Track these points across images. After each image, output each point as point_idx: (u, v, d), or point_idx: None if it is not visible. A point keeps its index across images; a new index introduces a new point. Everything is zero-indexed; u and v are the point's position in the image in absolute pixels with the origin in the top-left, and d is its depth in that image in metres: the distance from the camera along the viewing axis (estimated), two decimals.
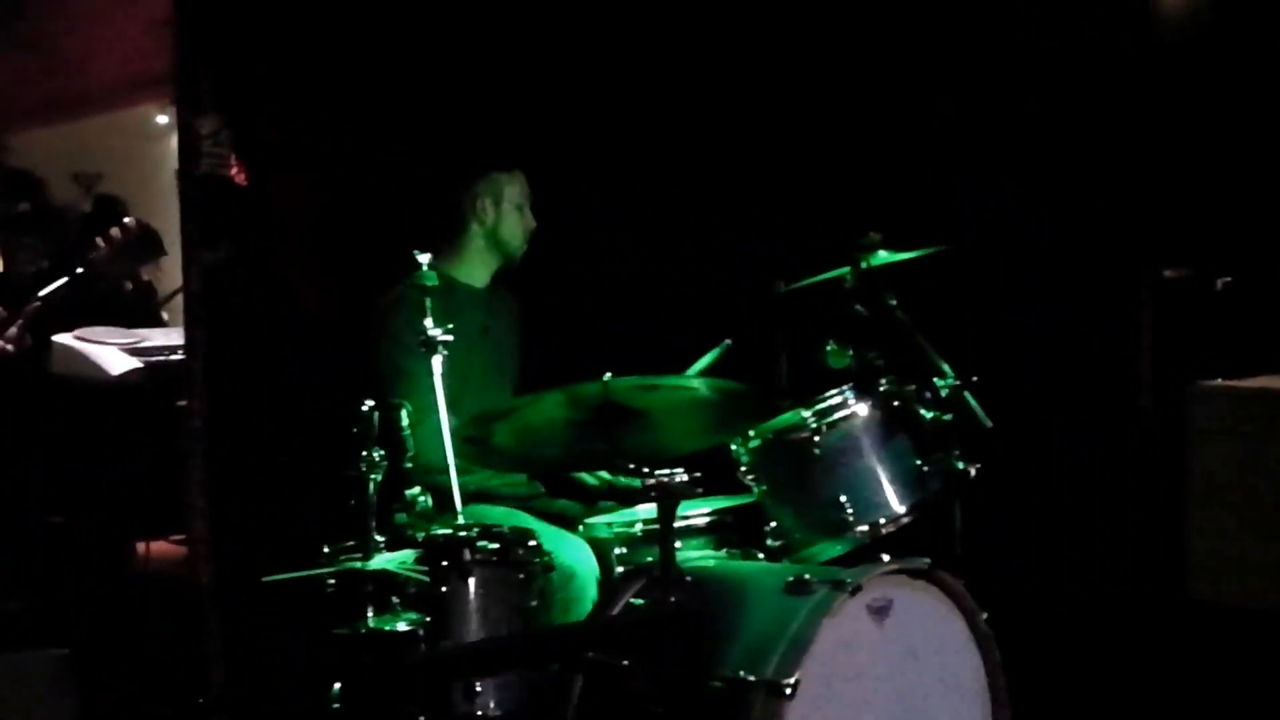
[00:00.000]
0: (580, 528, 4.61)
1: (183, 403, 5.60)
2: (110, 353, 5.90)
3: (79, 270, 4.15)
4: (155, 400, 5.97)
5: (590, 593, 4.45)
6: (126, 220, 4.12)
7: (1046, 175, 4.97)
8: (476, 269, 5.03)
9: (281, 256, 5.42)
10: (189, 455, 4.72)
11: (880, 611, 3.95)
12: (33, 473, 5.90)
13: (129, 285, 4.63)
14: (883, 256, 4.45)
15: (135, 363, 5.92)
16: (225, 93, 5.24)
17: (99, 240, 4.09)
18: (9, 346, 4.12)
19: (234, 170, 5.41)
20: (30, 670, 3.67)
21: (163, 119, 9.21)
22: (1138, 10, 4.94)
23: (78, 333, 5.84)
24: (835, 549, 4.29)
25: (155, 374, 5.92)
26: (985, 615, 4.09)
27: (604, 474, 4.94)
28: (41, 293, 4.16)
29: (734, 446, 4.37)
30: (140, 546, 6.46)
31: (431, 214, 5.01)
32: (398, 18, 5.42)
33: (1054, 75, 4.98)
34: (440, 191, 5.03)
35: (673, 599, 3.78)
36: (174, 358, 6.10)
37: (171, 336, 6.43)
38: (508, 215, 4.99)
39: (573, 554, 4.47)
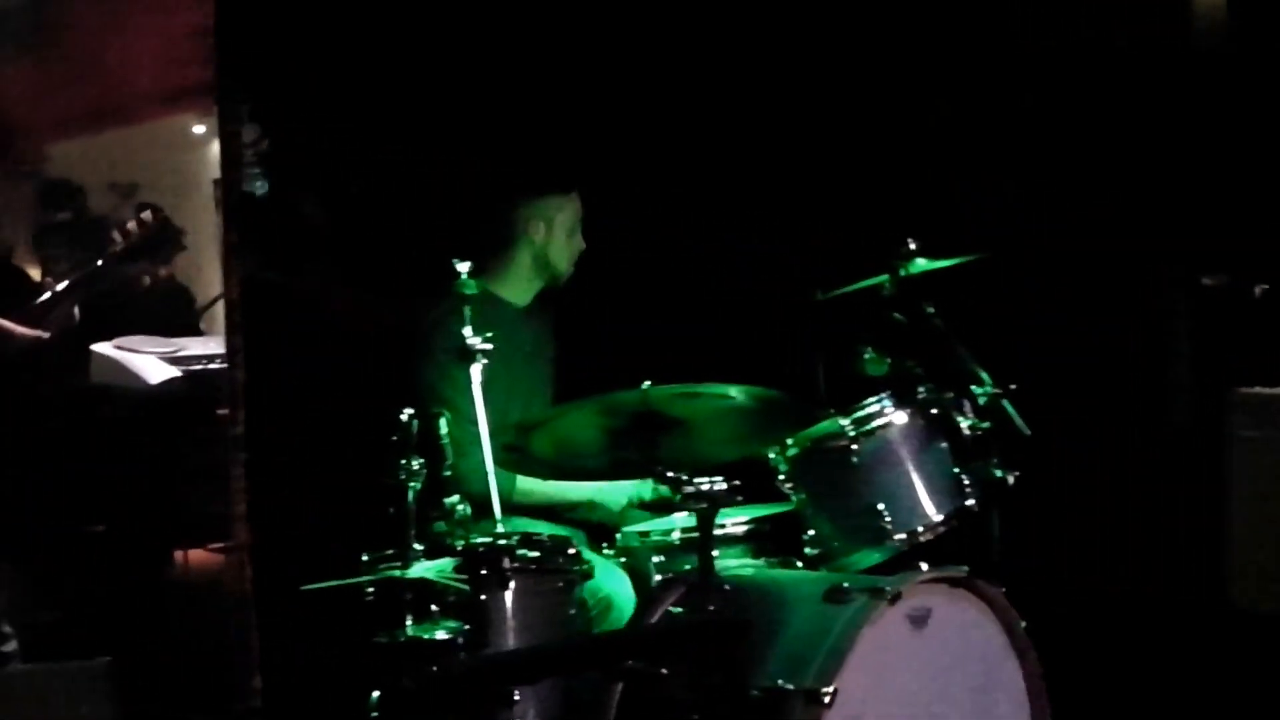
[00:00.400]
0: (618, 536, 4.61)
1: (222, 411, 5.63)
2: (149, 361, 5.93)
3: (99, 263, 4.16)
4: (194, 409, 6.00)
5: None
6: (144, 214, 4.13)
7: (1085, 181, 4.95)
8: (519, 287, 4.99)
9: (321, 266, 5.44)
10: (229, 463, 4.73)
11: (919, 620, 3.94)
12: (73, 481, 5.93)
13: (147, 281, 4.62)
14: (920, 264, 4.45)
15: (174, 371, 5.96)
16: (264, 104, 5.26)
17: (116, 234, 4.11)
18: (32, 332, 4.14)
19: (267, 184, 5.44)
20: (71, 680, 3.69)
21: (200, 129, 9.24)
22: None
23: (117, 342, 5.88)
24: (873, 557, 4.29)
25: (194, 383, 5.95)
26: (1024, 624, 4.08)
27: (640, 493, 4.92)
28: (59, 286, 4.18)
29: (772, 455, 4.36)
30: (179, 555, 6.50)
31: (479, 228, 4.99)
32: (441, 28, 5.44)
33: (1107, 78, 4.96)
34: (490, 206, 5.00)
35: (711, 607, 3.79)
36: (212, 366, 6.14)
37: (209, 345, 6.46)
38: (558, 238, 4.93)
39: (611, 582, 4.47)
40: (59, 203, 7.50)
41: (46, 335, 4.21)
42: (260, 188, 5.41)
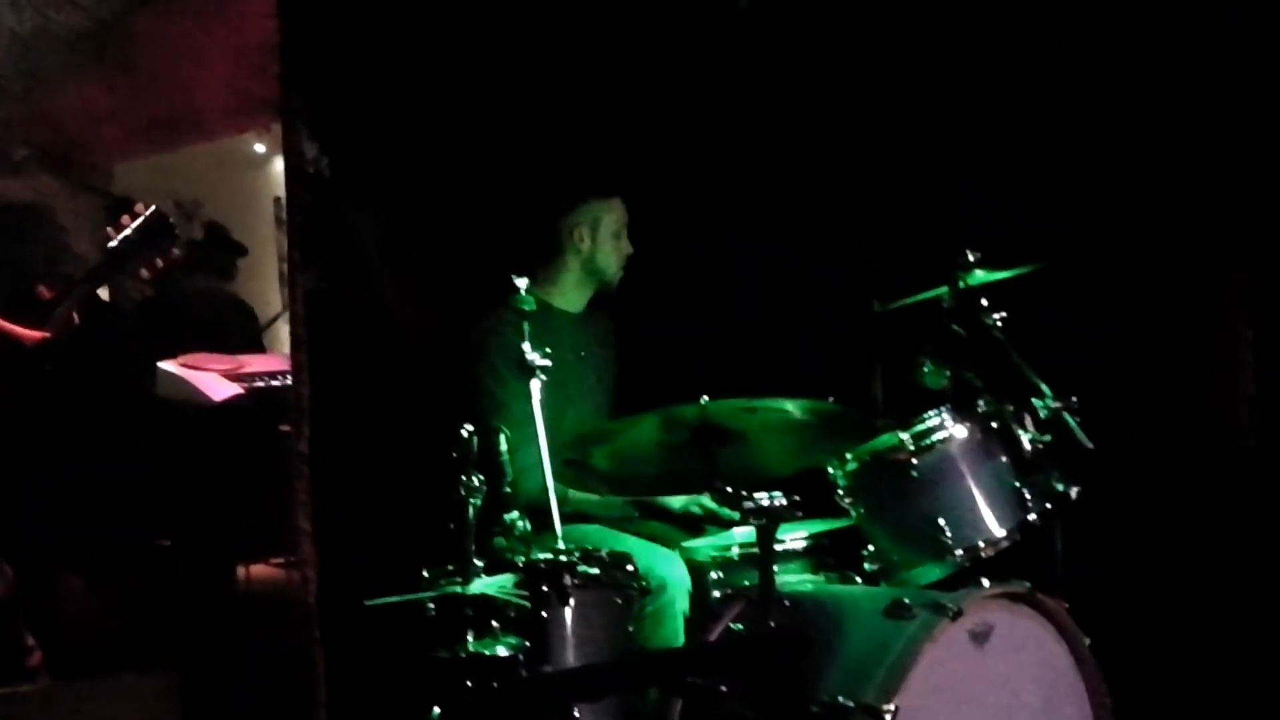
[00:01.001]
0: (677, 551, 4.61)
1: (285, 427, 5.66)
2: (212, 379, 6.00)
3: (110, 245, 4.19)
4: (257, 424, 6.06)
5: (680, 605, 4.45)
6: (138, 205, 4.17)
7: (1148, 187, 4.91)
8: (572, 294, 5.03)
9: (380, 281, 5.47)
10: (294, 479, 4.77)
11: (981, 636, 3.91)
12: (140, 496, 6.00)
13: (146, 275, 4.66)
14: (980, 275, 4.42)
15: (237, 388, 6.02)
16: (322, 120, 5.30)
17: (110, 229, 4.15)
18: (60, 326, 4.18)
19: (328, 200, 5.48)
20: (138, 692, 3.72)
21: (260, 147, 9.34)
22: None
23: (181, 359, 5.95)
24: (934, 572, 4.26)
25: (257, 399, 6.01)
26: (1088, 640, 4.04)
27: (703, 502, 4.92)
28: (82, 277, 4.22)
29: (831, 469, 4.35)
30: (243, 569, 6.56)
31: (528, 239, 5.03)
32: (491, 42, 5.46)
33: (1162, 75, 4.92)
34: (536, 216, 5.04)
35: (771, 623, 3.78)
36: (275, 383, 6.20)
37: (271, 362, 6.52)
38: (604, 243, 4.98)
39: (665, 567, 4.46)
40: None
41: (49, 335, 4.24)
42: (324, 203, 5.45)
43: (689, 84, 5.52)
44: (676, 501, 4.98)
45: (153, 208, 4.22)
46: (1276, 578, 4.68)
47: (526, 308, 4.29)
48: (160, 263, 4.16)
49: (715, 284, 5.52)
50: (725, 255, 5.53)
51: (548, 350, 4.24)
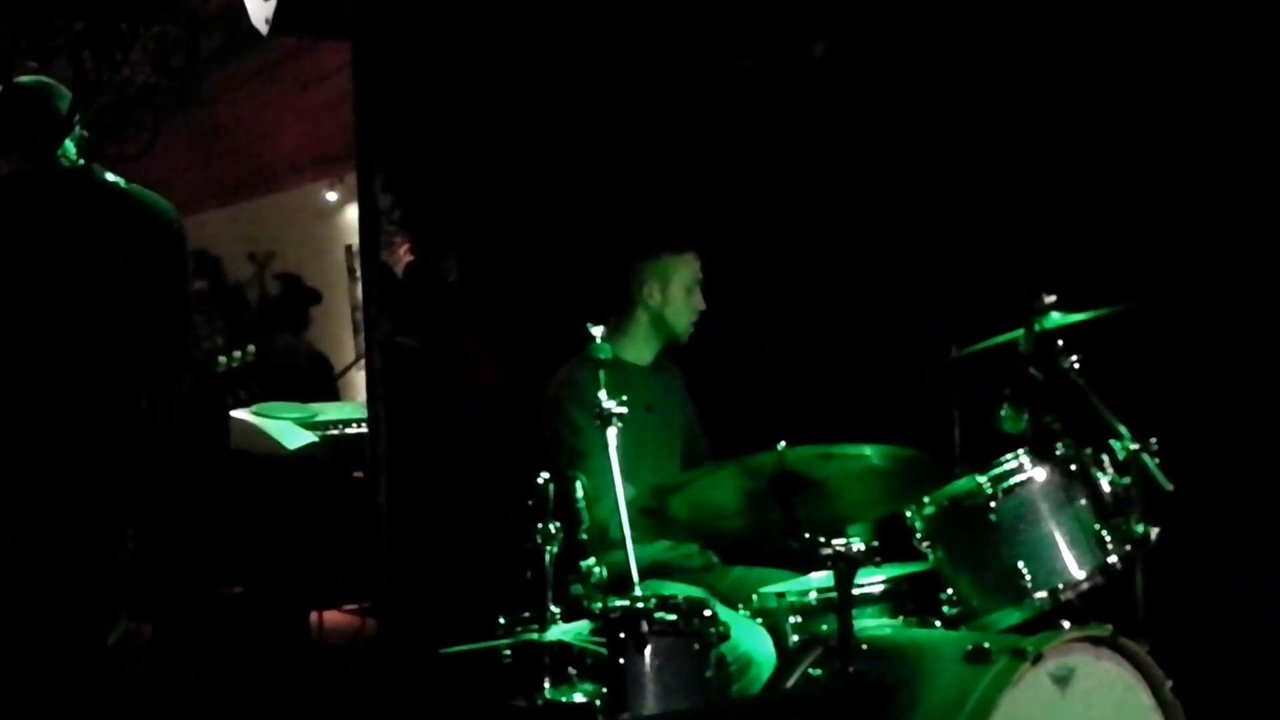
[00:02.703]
0: (754, 597, 4.58)
1: (358, 474, 5.69)
2: (286, 428, 6.03)
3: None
4: (331, 473, 6.09)
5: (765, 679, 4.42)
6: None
7: (1222, 231, 4.87)
8: (641, 347, 5.02)
9: (455, 331, 5.49)
10: (371, 528, 4.79)
11: (1062, 680, 3.88)
12: (214, 544, 6.03)
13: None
14: (1056, 318, 4.40)
15: (311, 437, 6.05)
16: (396, 173, 5.34)
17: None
18: None
19: (402, 250, 5.52)
20: None
21: (332, 196, 9.44)
22: None
23: (255, 408, 5.98)
24: (1014, 616, 4.23)
25: (331, 448, 6.04)
26: (1170, 683, 4.00)
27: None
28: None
29: (909, 514, 4.33)
30: (314, 616, 6.58)
31: (599, 291, 5.02)
32: (567, 93, 5.49)
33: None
34: (608, 269, 5.03)
35: (851, 669, 3.75)
36: (349, 431, 6.22)
37: (345, 410, 6.55)
38: (675, 298, 4.95)
39: (751, 640, 4.44)
40: (199, 272, 7.69)
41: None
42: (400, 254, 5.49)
43: (765, 132, 5.53)
44: None
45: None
46: None
47: (602, 355, 4.29)
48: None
49: (793, 331, 5.51)
50: (802, 302, 5.52)
51: (624, 398, 4.24)
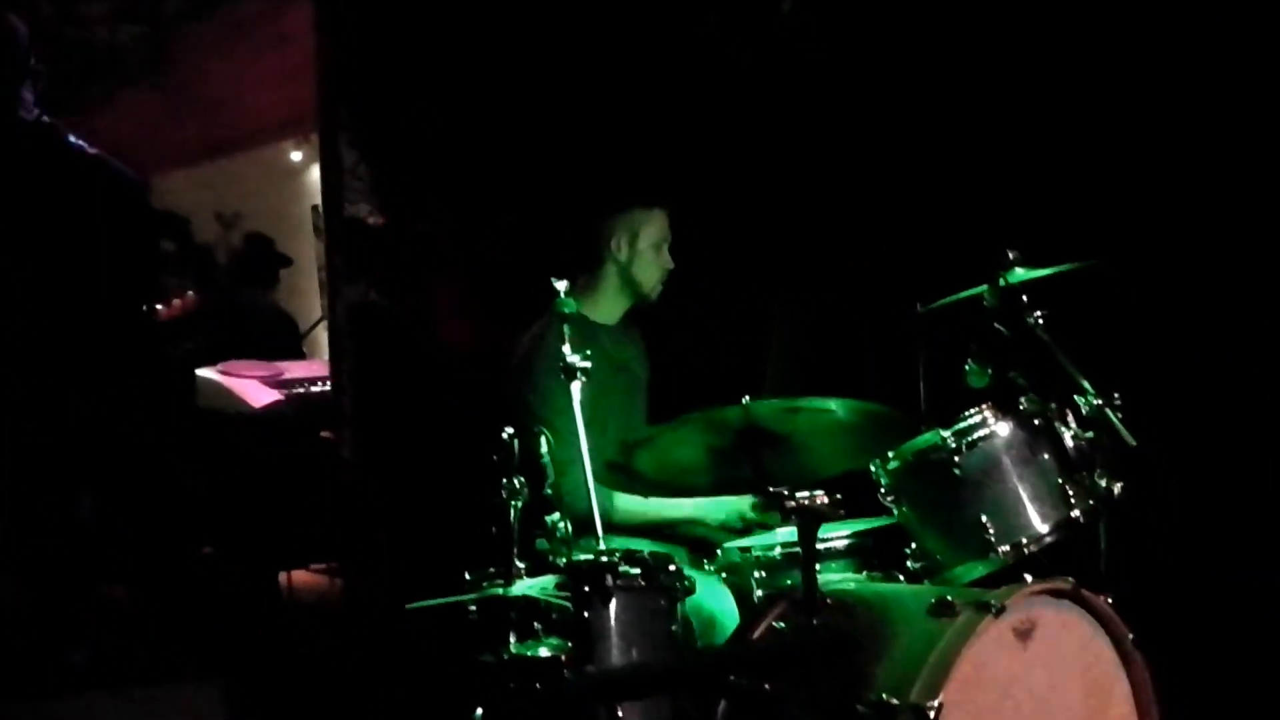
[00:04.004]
0: (719, 552, 4.60)
1: (325, 433, 5.68)
2: (252, 386, 6.02)
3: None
4: (299, 432, 6.07)
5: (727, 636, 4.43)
6: (190, 294, 4.20)
7: (1189, 188, 4.88)
8: (608, 306, 5.01)
9: (422, 289, 5.48)
10: (336, 485, 4.79)
11: (1024, 633, 3.90)
12: (182, 504, 6.02)
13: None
14: (1021, 274, 4.41)
15: (276, 395, 6.04)
16: (363, 132, 5.32)
17: (159, 306, 4.18)
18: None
19: (369, 209, 5.49)
20: (182, 701, 3.74)
21: (297, 155, 9.39)
22: None
23: (220, 367, 5.97)
24: (978, 570, 4.24)
25: (297, 405, 6.03)
26: (1132, 635, 4.02)
27: (745, 514, 4.91)
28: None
29: (873, 468, 4.33)
30: (283, 576, 6.58)
31: (568, 247, 5.01)
32: (533, 51, 5.47)
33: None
34: (577, 225, 5.01)
35: (815, 622, 3.77)
36: (315, 389, 6.21)
37: (312, 369, 6.54)
38: (643, 254, 4.93)
39: (714, 598, 4.45)
40: (166, 233, 7.65)
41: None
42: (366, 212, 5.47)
43: (730, 87, 5.52)
44: (715, 517, 4.96)
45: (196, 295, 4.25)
46: None
47: (567, 310, 4.29)
48: (191, 346, 4.18)
49: (758, 287, 5.51)
50: (768, 258, 5.51)
51: (588, 353, 4.24)
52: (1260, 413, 4.78)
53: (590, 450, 4.15)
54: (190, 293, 4.20)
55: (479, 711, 4.01)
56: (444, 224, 5.53)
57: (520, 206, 5.64)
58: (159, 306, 4.26)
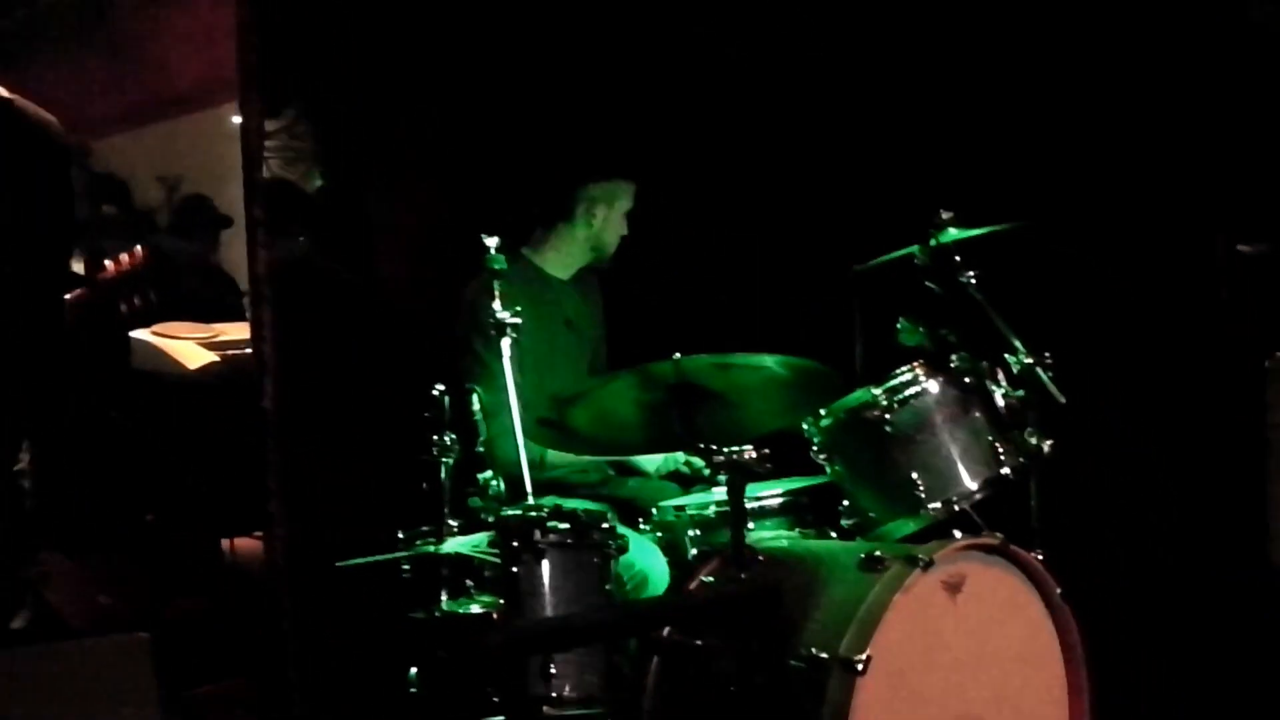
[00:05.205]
0: (654, 511, 4.60)
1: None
2: (187, 347, 5.96)
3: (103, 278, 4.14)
4: (236, 395, 6.03)
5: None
6: (138, 249, 4.11)
7: (1118, 150, 4.91)
8: (565, 262, 5.02)
9: (356, 245, 5.45)
10: (263, 439, 4.76)
11: (953, 587, 3.94)
12: (123, 470, 5.99)
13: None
14: (953, 234, 4.42)
15: (212, 357, 5.98)
16: (312, 92, 5.28)
17: (108, 263, 4.10)
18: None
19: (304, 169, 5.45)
20: (106, 653, 3.72)
21: (238, 119, 9.31)
22: None
23: (155, 328, 5.90)
24: (909, 526, 4.27)
25: (233, 366, 5.98)
26: (1059, 589, 4.05)
27: (689, 461, 4.93)
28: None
29: (806, 426, 4.35)
30: (226, 542, 6.54)
31: (537, 202, 4.99)
32: (489, 9, 5.44)
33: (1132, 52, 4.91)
34: (552, 183, 4.99)
35: (745, 575, 3.78)
36: (250, 350, 6.15)
37: (248, 330, 6.48)
38: (613, 222, 4.96)
39: (646, 556, 4.46)
40: (106, 196, 7.58)
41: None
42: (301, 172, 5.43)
43: (665, 46, 5.50)
44: (652, 463, 4.99)
45: (146, 253, 4.16)
46: (1246, 528, 4.68)
47: (497, 266, 4.28)
48: (139, 303, 4.10)
49: (695, 245, 5.51)
50: (704, 216, 5.51)
51: (518, 310, 4.23)
52: (1178, 371, 4.82)
53: (531, 404, 4.15)
54: (139, 248, 4.13)
55: (413, 669, 4.01)
56: (381, 184, 5.50)
57: (462, 163, 5.61)
58: (107, 263, 4.18)
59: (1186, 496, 4.78)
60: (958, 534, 4.04)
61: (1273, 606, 4.55)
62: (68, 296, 4.15)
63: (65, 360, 4.45)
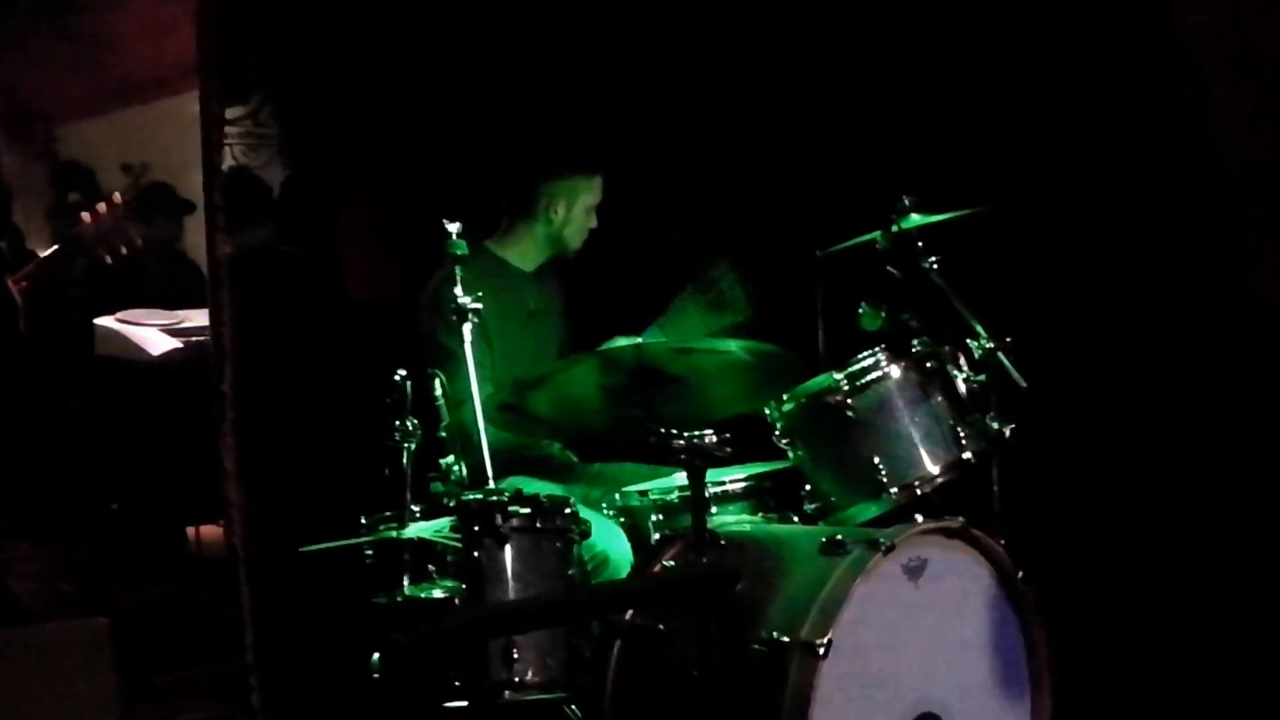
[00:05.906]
0: (616, 496, 4.61)
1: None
2: (151, 334, 5.96)
3: (58, 246, 4.11)
4: (199, 379, 6.02)
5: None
6: (115, 195, 4.09)
7: (1079, 134, 4.92)
8: (529, 255, 4.99)
9: (322, 233, 5.44)
10: (222, 422, 4.75)
11: (914, 571, 3.95)
12: (90, 459, 5.97)
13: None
14: (915, 219, 4.43)
15: (176, 343, 5.98)
16: (273, 73, 5.26)
17: (84, 215, 4.07)
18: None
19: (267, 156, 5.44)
20: (64, 639, 3.71)
21: None
22: None
23: (119, 315, 5.90)
24: (871, 510, 4.28)
25: (197, 352, 5.97)
26: (1021, 573, 4.07)
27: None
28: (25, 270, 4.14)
29: (768, 410, 4.35)
30: (190, 530, 6.54)
31: (500, 194, 4.98)
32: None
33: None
34: (514, 176, 4.98)
35: (705, 559, 3.79)
36: None
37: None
38: (576, 217, 4.92)
39: (608, 540, 4.46)
40: (71, 184, 7.56)
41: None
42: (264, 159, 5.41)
43: (627, 35, 5.50)
44: None
45: (125, 198, 4.13)
46: (1208, 512, 4.70)
47: (458, 252, 4.28)
48: (125, 250, 4.07)
49: (658, 230, 5.50)
50: (667, 200, 5.51)
51: (479, 295, 4.23)
52: (1139, 355, 4.84)
53: (493, 394, 4.14)
54: (115, 194, 4.08)
55: (376, 655, 4.01)
56: (346, 170, 5.49)
57: (428, 151, 5.60)
58: (83, 215, 4.15)
59: (1150, 482, 4.79)
60: (919, 518, 4.04)
61: (1229, 596, 4.59)
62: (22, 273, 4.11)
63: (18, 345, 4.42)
